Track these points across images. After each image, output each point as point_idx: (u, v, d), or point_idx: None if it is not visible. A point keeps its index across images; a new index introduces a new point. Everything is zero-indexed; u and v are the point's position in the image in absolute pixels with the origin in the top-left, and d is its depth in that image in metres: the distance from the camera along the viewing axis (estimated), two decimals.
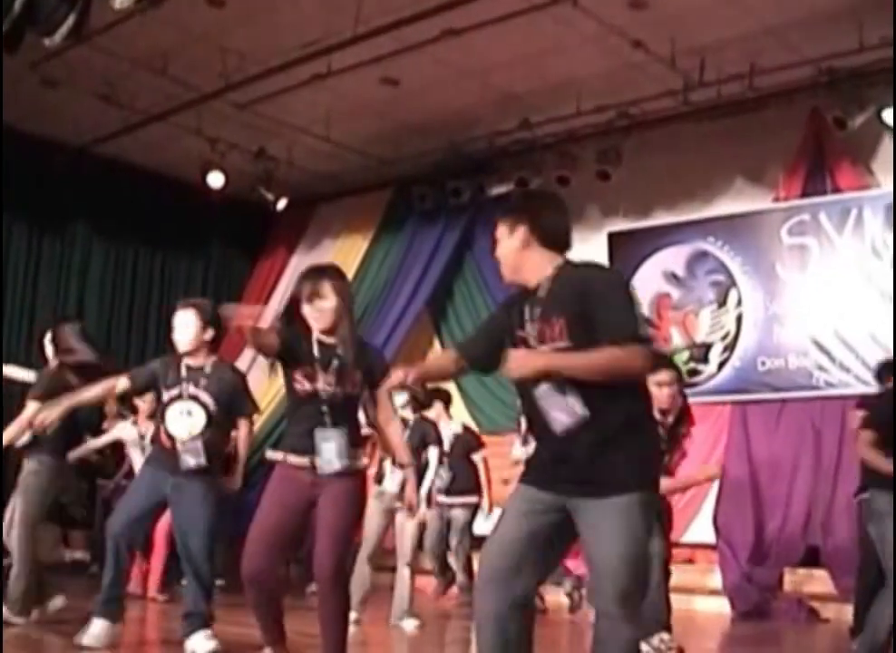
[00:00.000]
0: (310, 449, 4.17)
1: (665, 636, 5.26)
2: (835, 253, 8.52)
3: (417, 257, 10.80)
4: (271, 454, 4.30)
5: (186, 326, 5.09)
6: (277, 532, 4.20)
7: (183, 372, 5.07)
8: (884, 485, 4.91)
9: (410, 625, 6.43)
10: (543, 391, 2.99)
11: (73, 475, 9.24)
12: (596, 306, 2.91)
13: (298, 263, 11.23)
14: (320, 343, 4.15)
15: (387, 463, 6.50)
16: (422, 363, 3.80)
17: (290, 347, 4.11)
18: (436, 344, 10.88)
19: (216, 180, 10.04)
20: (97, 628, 4.99)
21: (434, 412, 7.68)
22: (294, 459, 4.19)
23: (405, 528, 6.45)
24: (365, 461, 4.35)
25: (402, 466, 5.17)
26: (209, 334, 5.08)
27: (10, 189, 9.79)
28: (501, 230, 3.18)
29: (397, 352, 10.33)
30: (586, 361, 2.89)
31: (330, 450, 4.12)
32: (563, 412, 2.97)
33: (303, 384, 4.13)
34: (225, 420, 5.16)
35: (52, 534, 9.94)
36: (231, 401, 5.15)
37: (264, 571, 4.18)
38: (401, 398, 6.65)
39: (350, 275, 10.94)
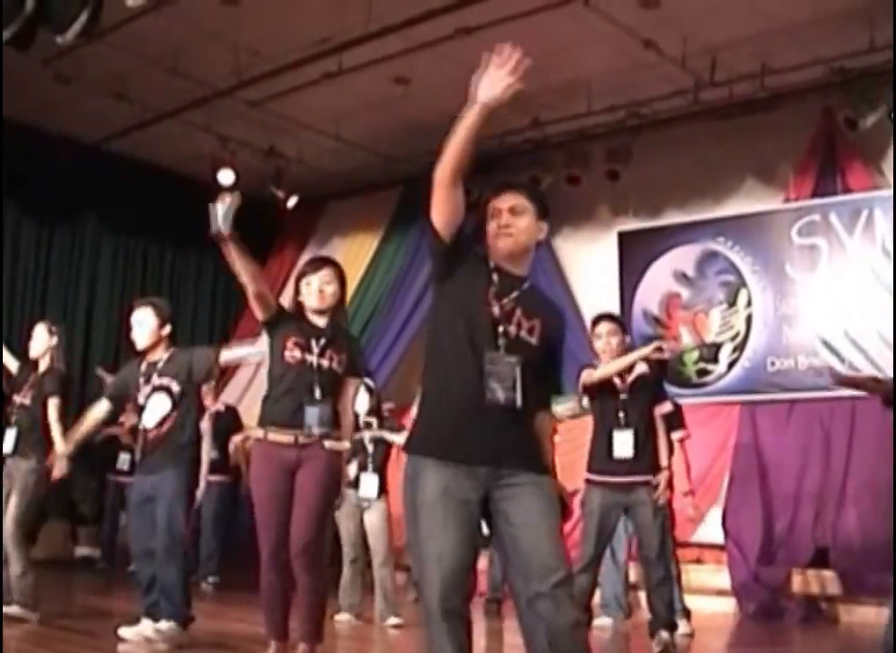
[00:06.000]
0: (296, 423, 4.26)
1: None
2: (845, 254, 8.49)
3: (427, 255, 10.77)
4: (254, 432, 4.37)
5: (142, 324, 5.27)
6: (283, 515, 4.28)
7: (144, 368, 5.20)
8: None
9: (393, 622, 6.36)
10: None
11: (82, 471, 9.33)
12: (559, 349, 3.07)
13: None
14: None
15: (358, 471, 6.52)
16: None
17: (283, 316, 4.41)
18: None
19: (226, 177, 10.02)
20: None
21: None
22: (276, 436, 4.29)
23: (375, 526, 6.47)
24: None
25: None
26: (167, 330, 5.27)
27: (21, 184, 9.82)
28: (529, 207, 3.05)
29: (405, 351, 10.31)
30: None
31: (314, 415, 4.26)
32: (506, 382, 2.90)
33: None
34: (192, 399, 5.20)
35: (61, 530, 9.99)
36: (191, 371, 5.17)
37: (284, 556, 4.24)
38: (363, 406, 6.55)
39: (360, 273, 11.05)
